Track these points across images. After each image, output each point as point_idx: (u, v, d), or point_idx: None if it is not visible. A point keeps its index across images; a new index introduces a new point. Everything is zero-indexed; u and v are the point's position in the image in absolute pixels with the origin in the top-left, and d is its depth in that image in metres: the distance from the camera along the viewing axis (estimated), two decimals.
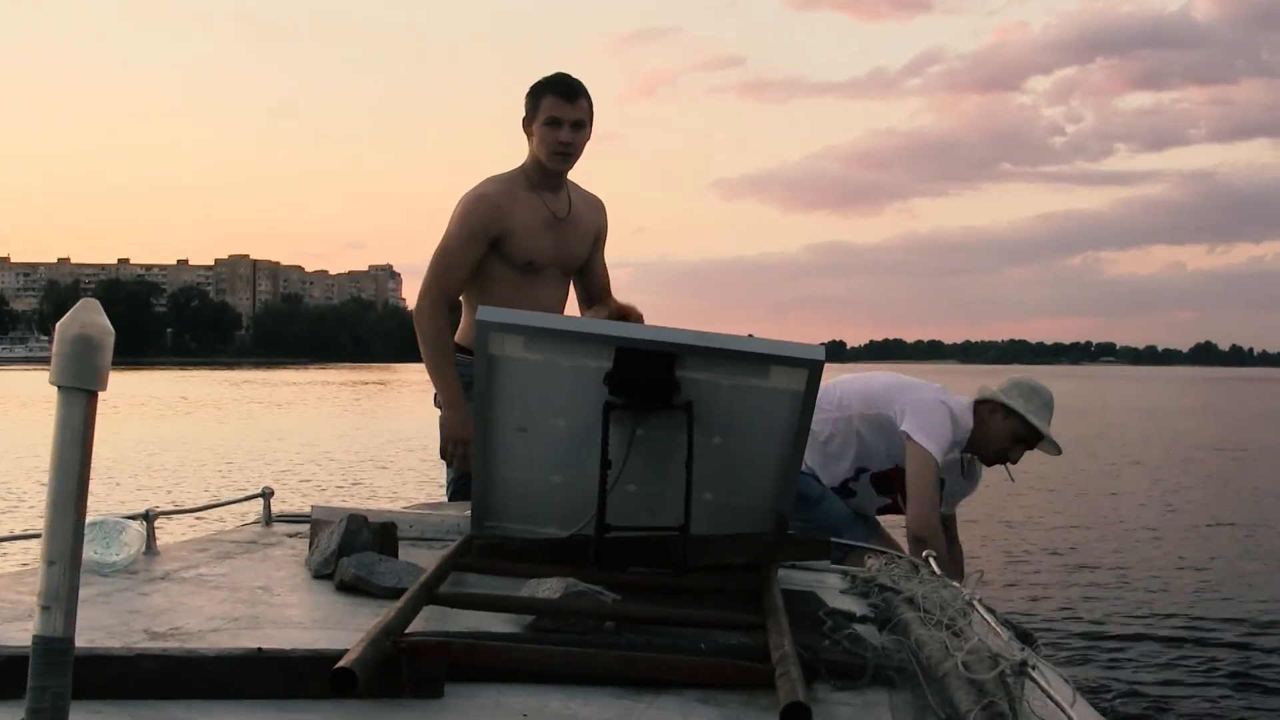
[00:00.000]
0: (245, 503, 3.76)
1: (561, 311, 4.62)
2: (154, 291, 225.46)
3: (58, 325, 1.29)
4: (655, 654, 2.04)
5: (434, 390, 4.45)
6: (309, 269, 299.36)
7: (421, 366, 4.44)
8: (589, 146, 4.46)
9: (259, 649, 1.87)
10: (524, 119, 4.38)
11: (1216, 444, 28.68)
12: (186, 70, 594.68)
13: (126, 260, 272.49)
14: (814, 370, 2.78)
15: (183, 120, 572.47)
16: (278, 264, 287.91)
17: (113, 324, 1.28)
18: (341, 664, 1.71)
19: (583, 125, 4.36)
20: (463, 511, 3.27)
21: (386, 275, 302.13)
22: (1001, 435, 4.74)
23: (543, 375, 2.84)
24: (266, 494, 3.59)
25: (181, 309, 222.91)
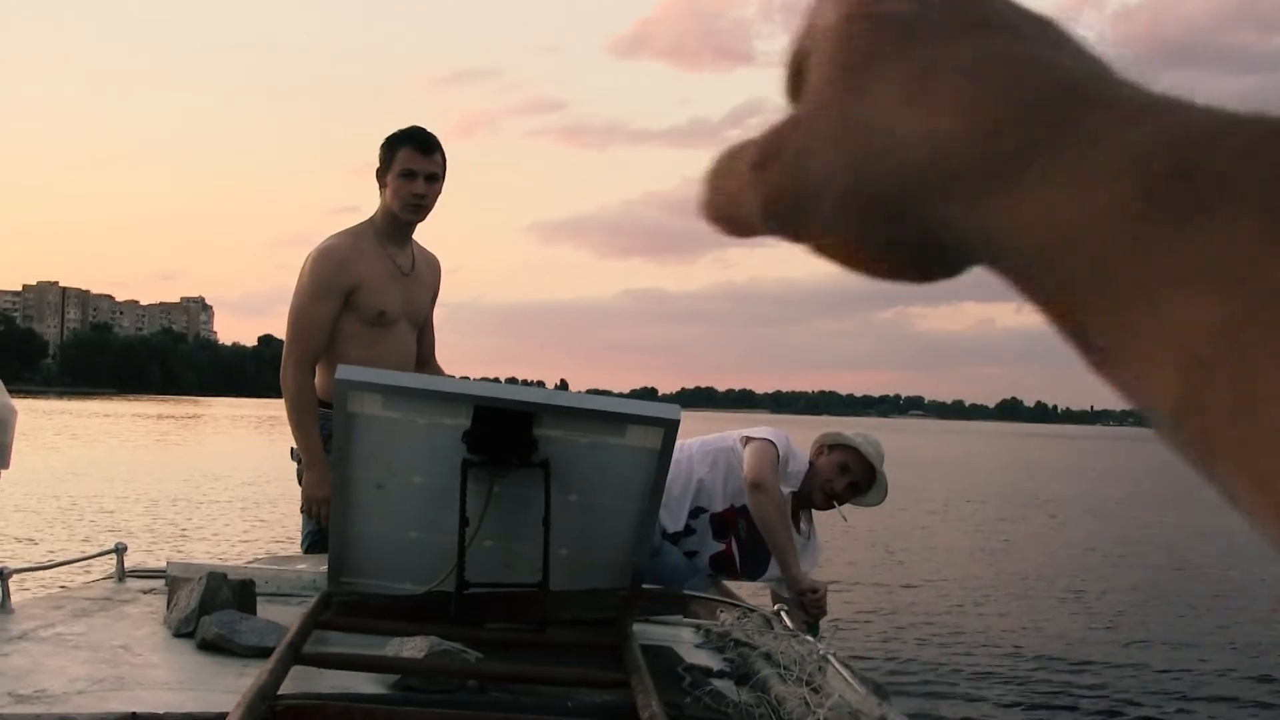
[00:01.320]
0: (98, 557, 3.69)
1: (414, 363, 4.66)
2: None
3: None
4: (525, 715, 2.07)
5: (291, 443, 4.45)
6: (120, 298, 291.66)
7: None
8: None
9: (133, 714, 1.85)
10: (378, 170, 4.41)
11: (1034, 498, 29.56)
12: None
13: None
14: (669, 429, 2.84)
15: None
16: (88, 292, 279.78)
17: None
18: None
19: (436, 178, 4.41)
20: (318, 566, 3.25)
21: (199, 307, 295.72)
22: (828, 467, 4.92)
23: (401, 433, 2.85)
24: (119, 549, 3.53)
25: None
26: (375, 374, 2.88)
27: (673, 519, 4.88)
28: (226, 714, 1.76)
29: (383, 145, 4.41)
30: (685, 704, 2.23)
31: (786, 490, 4.87)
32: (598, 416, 2.84)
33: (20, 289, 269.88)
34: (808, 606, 4.67)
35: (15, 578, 2.95)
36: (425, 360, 4.82)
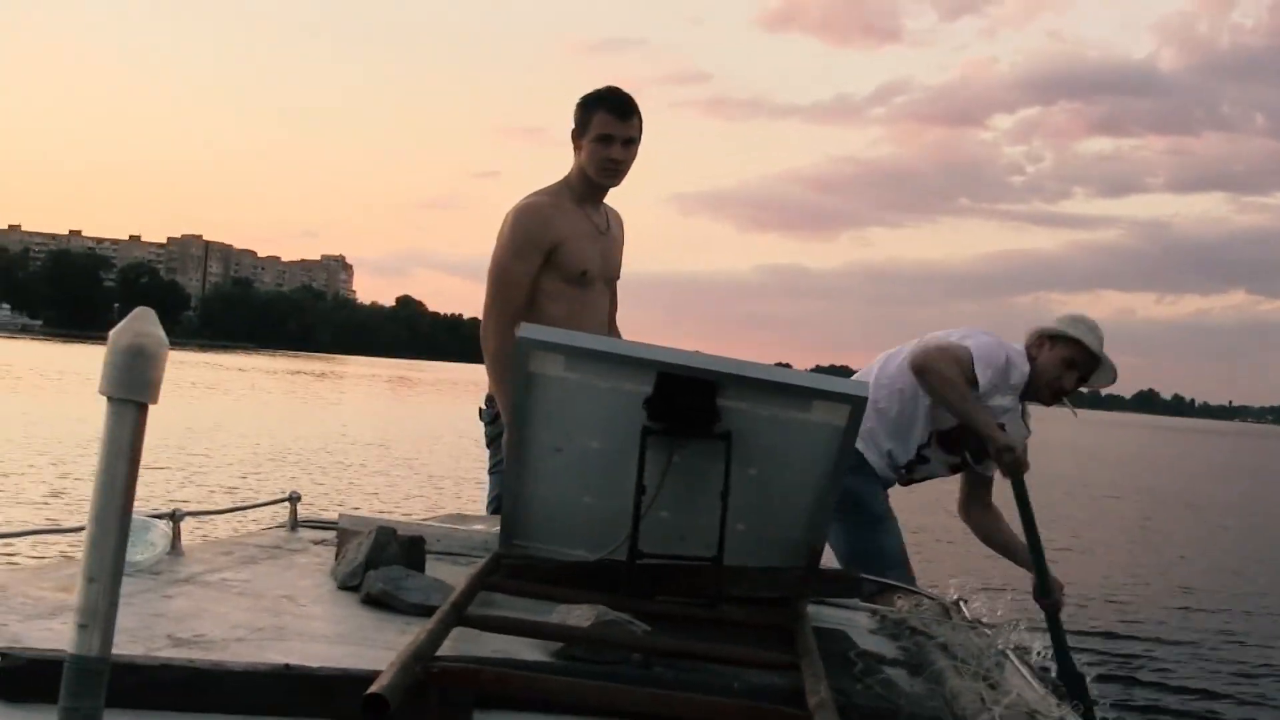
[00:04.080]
0: (271, 505, 3.71)
1: (612, 323, 4.62)
2: (103, 265, 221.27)
3: (110, 334, 1.26)
4: (689, 693, 1.99)
5: (480, 401, 4.49)
6: (261, 254, 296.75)
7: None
8: None
9: (286, 665, 1.83)
10: (573, 131, 4.35)
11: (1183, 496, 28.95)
12: (144, 45, 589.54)
13: (78, 232, 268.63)
14: (857, 406, 2.74)
15: (139, 93, 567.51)
16: (230, 246, 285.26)
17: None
18: (374, 689, 1.66)
19: (633, 142, 4.34)
20: (491, 527, 3.22)
21: (339, 266, 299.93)
22: (1052, 364, 4.71)
23: (581, 395, 2.79)
24: (294, 498, 3.53)
25: (131, 285, 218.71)
26: (558, 334, 2.82)
27: (905, 447, 4.73)
28: (380, 672, 1.73)
29: (579, 105, 4.34)
30: (855, 691, 2.15)
31: (1010, 401, 4.64)
32: (784, 390, 2.74)
33: (165, 241, 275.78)
34: (1006, 464, 4.46)
35: (188, 522, 2.96)
36: (609, 322, 4.74)
